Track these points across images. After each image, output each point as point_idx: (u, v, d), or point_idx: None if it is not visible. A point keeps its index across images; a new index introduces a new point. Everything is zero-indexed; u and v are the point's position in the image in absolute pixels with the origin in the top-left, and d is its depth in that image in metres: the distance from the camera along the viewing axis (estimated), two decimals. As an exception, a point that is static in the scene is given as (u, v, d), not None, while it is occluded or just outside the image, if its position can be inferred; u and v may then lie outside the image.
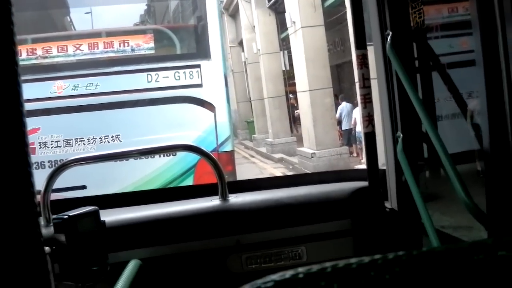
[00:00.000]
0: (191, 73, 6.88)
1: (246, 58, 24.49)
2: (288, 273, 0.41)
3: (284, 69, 20.51)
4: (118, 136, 6.84)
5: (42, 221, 2.25)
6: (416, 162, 2.24)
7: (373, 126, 2.33)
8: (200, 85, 6.91)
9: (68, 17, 8.01)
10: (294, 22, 15.75)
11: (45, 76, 6.81)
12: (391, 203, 2.40)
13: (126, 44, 7.02)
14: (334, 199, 2.41)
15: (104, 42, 7.03)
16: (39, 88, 6.65)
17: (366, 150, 2.41)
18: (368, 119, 2.33)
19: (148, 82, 6.88)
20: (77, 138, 6.79)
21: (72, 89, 6.79)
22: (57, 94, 6.79)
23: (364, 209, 2.39)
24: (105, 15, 7.69)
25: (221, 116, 6.95)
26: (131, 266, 1.99)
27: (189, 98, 6.90)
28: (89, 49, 6.97)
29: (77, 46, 6.94)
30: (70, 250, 1.82)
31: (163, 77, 6.89)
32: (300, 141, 17.71)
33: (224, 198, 2.40)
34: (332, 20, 17.92)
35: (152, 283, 2.12)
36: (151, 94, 6.89)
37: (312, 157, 15.22)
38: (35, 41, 7.04)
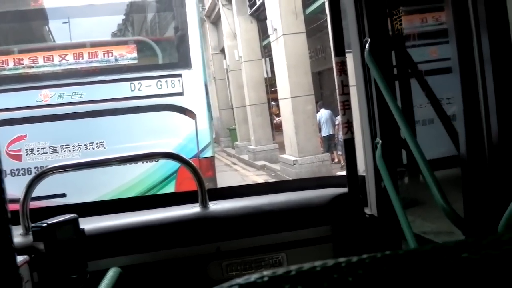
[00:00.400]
0: (172, 82, 7.16)
1: (228, 66, 24.52)
2: (253, 277, 0.41)
3: (266, 76, 20.55)
4: (103, 143, 7.05)
5: (21, 230, 2.24)
6: (395, 168, 2.25)
7: (352, 133, 2.35)
8: (181, 94, 7.20)
9: (46, 27, 8.21)
10: (275, 30, 15.80)
11: (32, 85, 7.04)
12: (370, 209, 2.42)
13: (110, 54, 7.27)
14: (314, 205, 2.42)
15: (88, 52, 7.27)
16: (25, 97, 6.94)
17: (345, 157, 2.43)
18: (347, 125, 2.34)
19: (132, 90, 7.13)
20: (62, 145, 6.98)
21: (58, 98, 7.02)
22: (43, 103, 6.99)
23: (344, 215, 2.40)
24: (84, 26, 7.93)
25: (202, 123, 7.22)
26: (111, 274, 1.98)
27: (171, 106, 7.16)
28: (74, 59, 7.20)
29: (63, 56, 7.17)
30: (49, 259, 1.81)
31: (146, 86, 7.15)
32: (282, 148, 17.74)
33: (204, 205, 2.40)
34: (313, 27, 18.01)
35: None
36: (134, 102, 7.14)
37: (294, 164, 15.26)
38: (21, 51, 7.28)
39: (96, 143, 7.04)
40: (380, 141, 2.23)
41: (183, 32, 7.42)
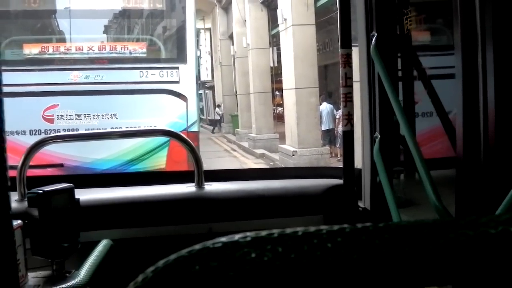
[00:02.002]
0: (171, 72, 9.18)
1: (235, 52, 24.48)
2: (236, 236, 0.43)
3: (272, 65, 20.53)
4: (116, 115, 8.97)
5: (17, 196, 2.26)
6: (391, 163, 2.26)
7: (352, 125, 2.36)
8: (178, 82, 9.15)
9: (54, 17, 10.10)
10: (285, 19, 15.76)
11: (65, 67, 9.07)
12: (364, 203, 2.43)
13: (126, 48, 9.50)
14: (309, 194, 2.43)
15: (110, 46, 9.55)
16: (60, 76, 8.95)
17: (343, 149, 2.43)
18: (348, 117, 2.35)
19: (140, 77, 9.12)
20: (85, 114, 8.93)
21: (84, 78, 9.03)
22: (73, 81, 8.97)
23: (337, 207, 2.41)
24: (104, 25, 10.26)
25: (191, 105, 9.17)
26: (102, 246, 2.00)
27: (169, 90, 9.12)
28: (99, 50, 9.40)
29: (90, 47, 9.33)
30: (43, 225, 1.82)
31: (151, 74, 9.17)
32: (282, 138, 17.75)
33: (199, 185, 2.42)
34: (323, 20, 17.96)
35: (121, 264, 2.13)
36: (141, 86, 9.06)
37: (293, 155, 15.27)
38: (58, 40, 9.52)
39: (111, 115, 8.96)
40: (379, 136, 2.24)
41: (182, 36, 9.51)
